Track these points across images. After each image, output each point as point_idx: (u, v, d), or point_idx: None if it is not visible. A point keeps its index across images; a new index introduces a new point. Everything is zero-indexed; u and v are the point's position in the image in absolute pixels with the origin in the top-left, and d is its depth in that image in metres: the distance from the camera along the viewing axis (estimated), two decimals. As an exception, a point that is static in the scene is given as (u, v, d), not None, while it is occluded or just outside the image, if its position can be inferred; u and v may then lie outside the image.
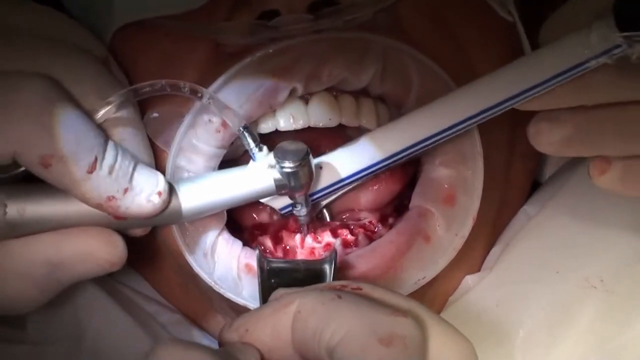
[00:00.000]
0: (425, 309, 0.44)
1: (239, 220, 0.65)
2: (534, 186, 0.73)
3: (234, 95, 0.56)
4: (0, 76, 0.48)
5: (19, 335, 0.64)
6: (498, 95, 0.55)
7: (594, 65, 0.52)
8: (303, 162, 0.54)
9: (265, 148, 0.55)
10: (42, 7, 0.54)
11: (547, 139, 0.54)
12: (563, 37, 0.53)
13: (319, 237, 0.62)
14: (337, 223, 0.64)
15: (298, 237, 0.63)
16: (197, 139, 0.58)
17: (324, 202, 0.63)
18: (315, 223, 0.64)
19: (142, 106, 0.57)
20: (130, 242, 0.53)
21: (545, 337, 0.61)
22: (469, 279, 0.66)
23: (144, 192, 0.51)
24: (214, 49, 0.58)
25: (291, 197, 0.57)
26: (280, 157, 0.54)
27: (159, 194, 0.51)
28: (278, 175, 0.54)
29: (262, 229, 0.65)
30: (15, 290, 0.51)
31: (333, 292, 0.43)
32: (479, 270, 0.67)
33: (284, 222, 0.64)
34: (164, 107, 0.57)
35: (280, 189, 0.55)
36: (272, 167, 0.54)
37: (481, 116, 0.56)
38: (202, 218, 0.58)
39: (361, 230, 0.63)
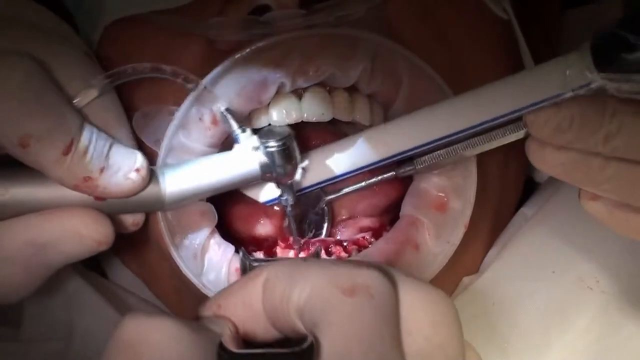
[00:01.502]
0: (395, 269, 0.43)
1: (233, 235, 0.65)
2: (532, 187, 0.73)
3: (224, 91, 0.56)
4: None
5: (12, 334, 0.64)
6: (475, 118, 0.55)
7: (569, 96, 0.52)
8: (287, 141, 0.54)
9: (248, 130, 0.55)
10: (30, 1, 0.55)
11: (551, 160, 0.53)
12: (540, 66, 0.53)
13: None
14: (332, 239, 0.64)
15: (291, 253, 0.62)
16: (187, 137, 0.58)
17: (326, 199, 0.63)
18: (308, 240, 0.63)
19: (131, 106, 0.57)
20: (128, 243, 0.53)
21: (540, 337, 0.61)
22: (465, 280, 0.66)
23: (122, 170, 0.51)
24: (207, 45, 0.58)
25: (277, 184, 0.57)
26: (264, 137, 0.54)
27: (137, 170, 0.51)
28: (263, 158, 0.54)
29: (255, 244, 0.65)
30: (2, 275, 0.51)
31: (298, 259, 0.43)
32: (477, 272, 0.67)
33: (277, 239, 0.64)
34: (152, 107, 0.57)
35: (265, 171, 0.55)
36: (256, 149, 0.54)
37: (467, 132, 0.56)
38: (191, 217, 0.58)
39: (354, 247, 0.63)
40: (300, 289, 0.41)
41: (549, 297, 0.62)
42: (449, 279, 0.65)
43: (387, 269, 0.42)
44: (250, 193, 0.60)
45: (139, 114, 0.57)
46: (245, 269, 0.52)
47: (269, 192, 0.60)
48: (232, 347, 0.41)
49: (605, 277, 0.62)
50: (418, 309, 0.41)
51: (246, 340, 0.44)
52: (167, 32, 0.59)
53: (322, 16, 0.56)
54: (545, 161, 0.53)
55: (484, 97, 0.55)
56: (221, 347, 0.40)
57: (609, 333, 0.60)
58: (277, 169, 0.55)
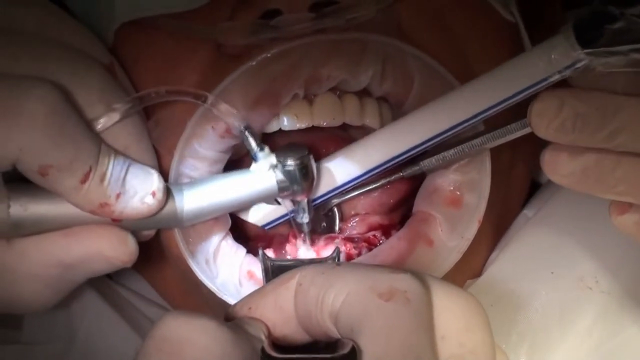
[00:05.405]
0: (425, 274, 0.43)
1: (244, 232, 0.65)
2: (534, 188, 0.73)
3: (234, 105, 0.55)
4: (9, 80, 0.47)
5: (14, 335, 0.64)
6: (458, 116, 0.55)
7: (557, 79, 0.52)
8: (305, 159, 0.54)
9: (267, 148, 0.55)
10: (52, 7, 0.54)
11: (563, 170, 0.53)
12: (525, 54, 0.53)
13: (322, 251, 0.62)
14: (341, 236, 0.64)
15: (302, 250, 0.62)
16: (200, 145, 0.57)
17: (335, 201, 0.63)
18: (318, 236, 0.63)
19: (146, 113, 0.56)
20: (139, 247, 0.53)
21: (540, 339, 0.61)
22: (467, 281, 0.66)
23: (138, 194, 0.51)
24: (216, 49, 0.58)
25: (293, 201, 0.57)
26: (282, 155, 0.54)
27: (153, 194, 0.51)
28: (280, 176, 0.54)
29: (265, 241, 0.65)
30: (28, 291, 0.51)
31: (332, 263, 0.43)
32: (480, 275, 0.67)
33: (288, 236, 0.63)
34: (167, 114, 0.57)
35: (282, 190, 0.55)
36: (274, 167, 0.54)
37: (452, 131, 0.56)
38: (205, 223, 0.57)
39: (364, 244, 0.63)
40: (335, 294, 0.41)
41: (549, 298, 0.63)
42: (457, 280, 0.65)
43: (419, 273, 0.43)
44: (247, 218, 0.61)
45: (152, 122, 0.56)
46: (267, 270, 0.52)
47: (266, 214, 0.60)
48: (271, 351, 0.41)
49: (605, 277, 0.63)
50: (451, 313, 0.42)
51: (275, 343, 0.44)
52: (175, 36, 0.58)
53: (331, 19, 0.56)
54: (558, 170, 0.53)
55: (469, 92, 0.55)
56: (263, 353, 0.40)
57: (609, 334, 0.61)
58: (295, 187, 0.55)
